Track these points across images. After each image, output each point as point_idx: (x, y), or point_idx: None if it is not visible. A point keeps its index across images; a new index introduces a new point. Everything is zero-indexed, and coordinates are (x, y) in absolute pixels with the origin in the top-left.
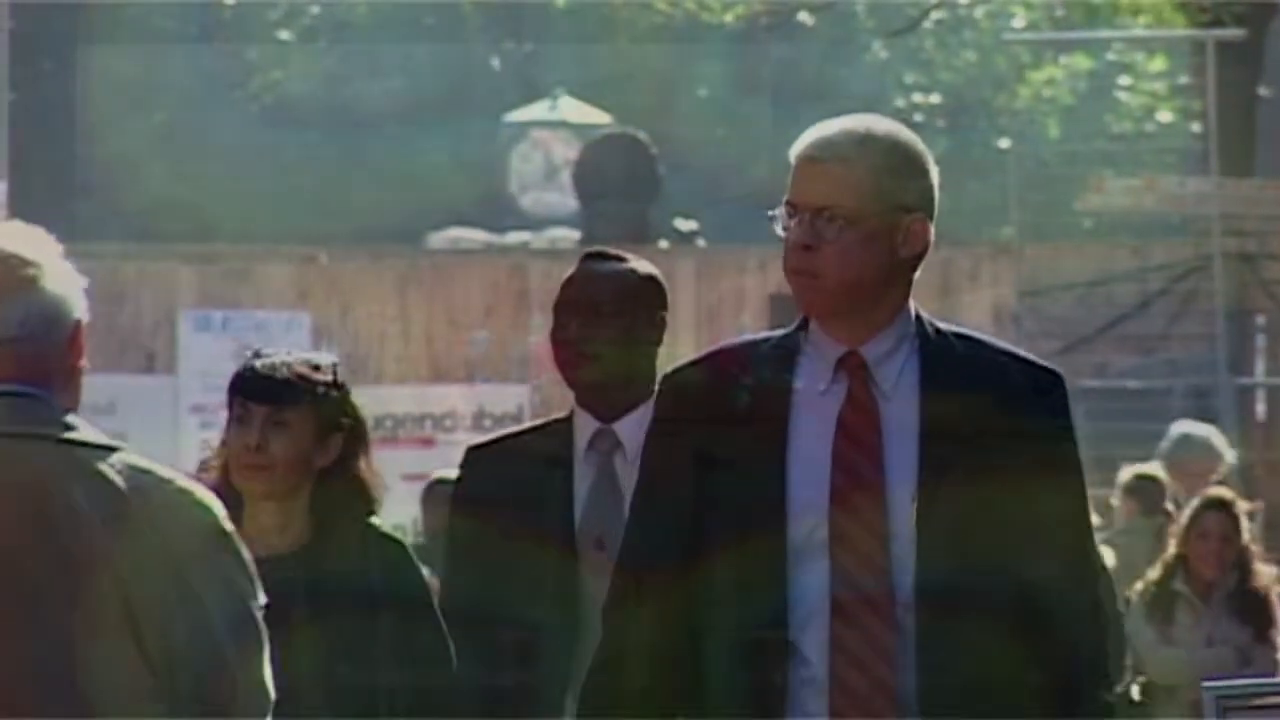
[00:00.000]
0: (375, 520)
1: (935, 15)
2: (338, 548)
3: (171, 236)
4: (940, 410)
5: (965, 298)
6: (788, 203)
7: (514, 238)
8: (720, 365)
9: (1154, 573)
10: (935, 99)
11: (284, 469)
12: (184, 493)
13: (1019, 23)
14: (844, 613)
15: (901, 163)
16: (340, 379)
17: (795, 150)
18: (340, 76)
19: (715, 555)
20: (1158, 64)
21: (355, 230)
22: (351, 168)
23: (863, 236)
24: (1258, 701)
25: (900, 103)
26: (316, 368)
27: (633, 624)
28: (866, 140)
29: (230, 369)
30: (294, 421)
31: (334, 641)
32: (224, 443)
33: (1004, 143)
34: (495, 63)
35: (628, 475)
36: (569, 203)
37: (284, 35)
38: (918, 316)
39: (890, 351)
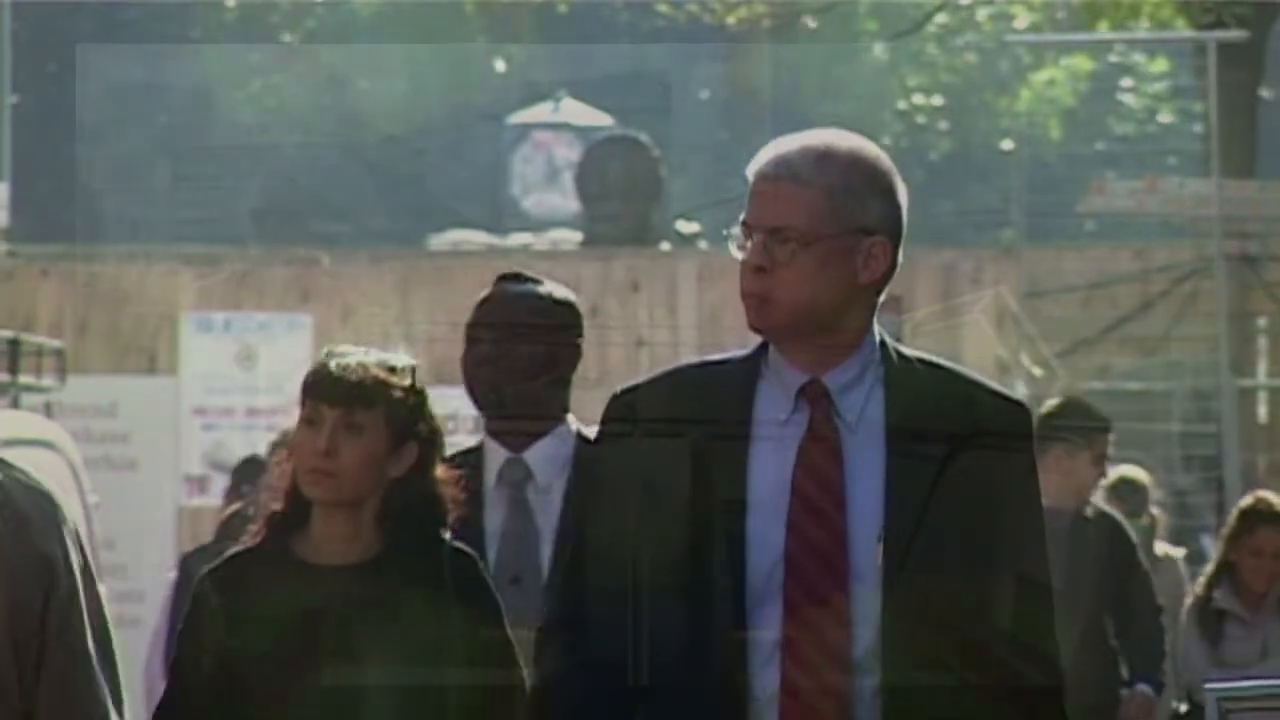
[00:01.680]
0: (446, 534)
1: (937, 17)
2: (409, 561)
3: (173, 238)
4: (905, 444)
5: (967, 299)
6: (743, 223)
7: (516, 239)
8: (674, 388)
9: (1199, 587)
10: (937, 101)
11: (354, 476)
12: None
13: (1020, 24)
14: (799, 659)
15: (862, 182)
16: (418, 383)
17: (752, 167)
18: (342, 79)
19: (665, 598)
20: (1159, 66)
21: (357, 232)
22: (353, 170)
23: (818, 259)
24: (1260, 704)
25: (902, 104)
26: (393, 370)
27: (573, 671)
28: (824, 158)
29: (232, 371)
30: (367, 426)
31: (402, 658)
32: (292, 445)
33: (1006, 144)
34: (497, 64)
35: (541, 507)
36: (571, 205)
37: (286, 38)
38: (882, 343)
39: (854, 380)
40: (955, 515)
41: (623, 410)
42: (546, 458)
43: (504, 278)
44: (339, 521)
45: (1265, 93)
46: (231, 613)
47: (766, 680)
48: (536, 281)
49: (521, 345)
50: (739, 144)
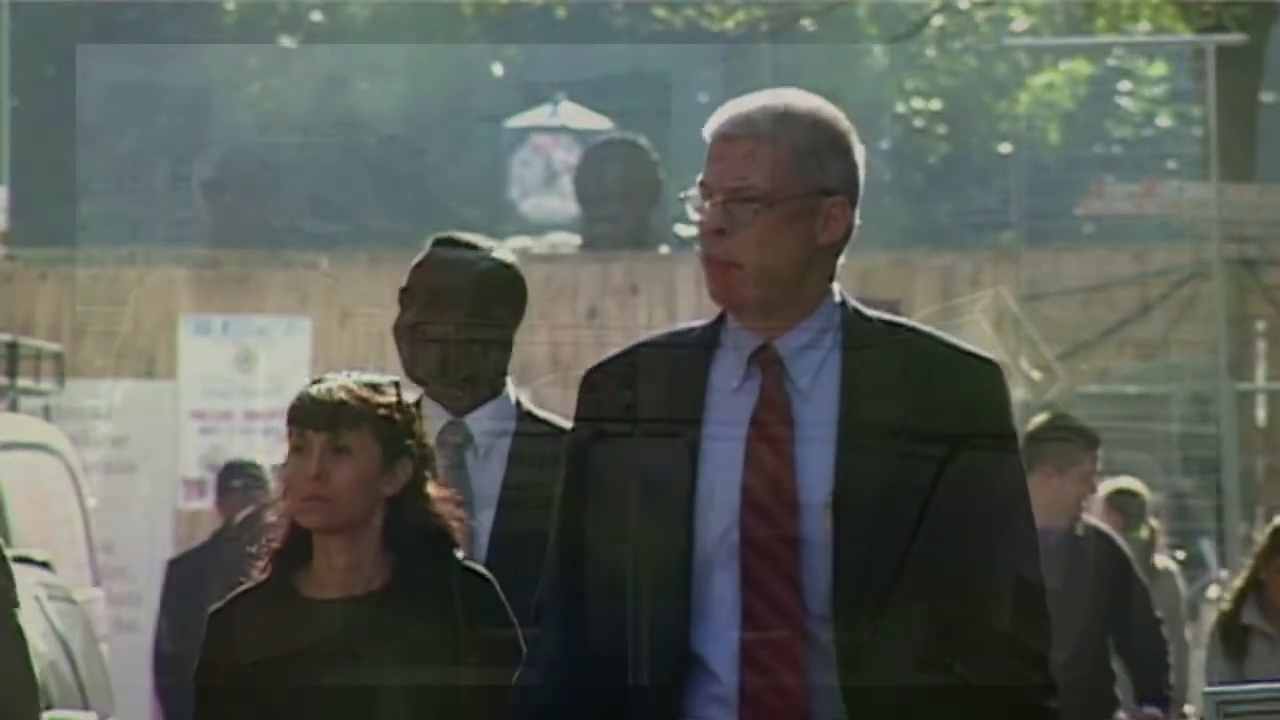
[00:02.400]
0: (459, 554)
1: (936, 20)
2: (420, 588)
3: (172, 241)
4: (861, 408)
5: (965, 302)
6: (701, 184)
7: (514, 243)
8: (639, 360)
9: (1225, 604)
10: (936, 104)
11: (347, 499)
12: None
13: (1019, 28)
14: (755, 624)
15: (823, 142)
16: (404, 399)
17: (710, 128)
18: (341, 81)
19: (622, 563)
20: (1158, 69)
21: (356, 236)
22: (352, 173)
23: (780, 220)
24: (1259, 708)
25: (901, 108)
26: (376, 388)
27: (551, 666)
28: (786, 118)
29: (230, 374)
30: (355, 447)
31: (415, 692)
32: (283, 478)
33: (1005, 148)
34: (496, 68)
35: (478, 472)
36: (570, 208)
37: (285, 41)
38: (842, 304)
39: (808, 345)
40: (914, 478)
41: (594, 384)
42: (487, 422)
43: (439, 241)
44: (340, 551)
45: (1264, 96)
46: (240, 653)
47: (722, 646)
48: (473, 246)
49: (450, 308)
50: None
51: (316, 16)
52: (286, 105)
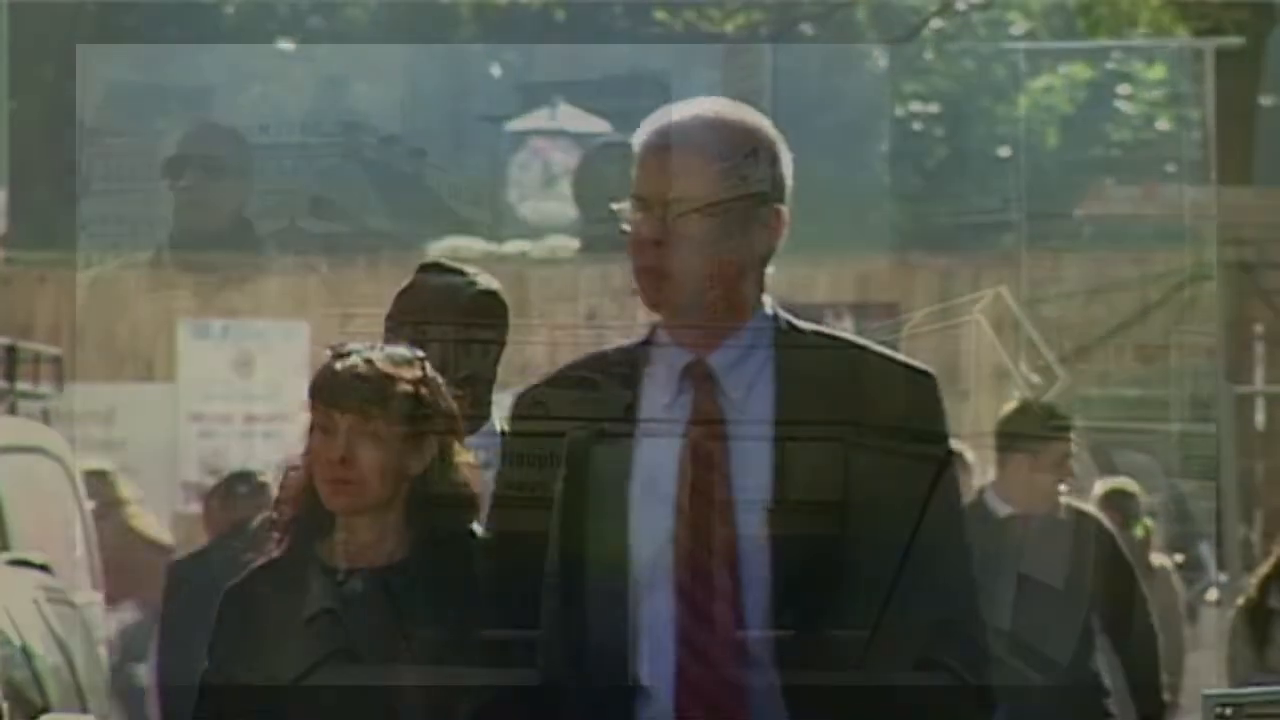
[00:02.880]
0: (477, 527)
1: (934, 24)
2: (439, 560)
3: (171, 244)
4: (796, 421)
5: (965, 306)
6: (634, 196)
7: (513, 247)
8: (567, 382)
9: (1250, 589)
10: (934, 108)
11: (375, 481)
12: None
13: (1018, 31)
14: (691, 645)
15: (757, 148)
16: (429, 372)
17: (640, 139)
18: (338, 84)
19: (569, 587)
20: (1157, 72)
21: (354, 239)
22: (350, 176)
23: (717, 229)
24: (1259, 710)
25: (900, 111)
26: (403, 363)
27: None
28: (718, 125)
29: (230, 377)
30: (383, 428)
31: (437, 658)
32: (306, 453)
33: (1003, 151)
34: (494, 70)
35: None
36: (568, 211)
37: (284, 44)
38: (774, 316)
39: (741, 358)
40: (852, 490)
41: (523, 410)
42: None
43: (425, 267)
44: (363, 527)
45: (1263, 99)
46: (257, 625)
47: (659, 667)
48: (460, 272)
49: (440, 338)
50: None
51: (316, 21)
52: (286, 106)
